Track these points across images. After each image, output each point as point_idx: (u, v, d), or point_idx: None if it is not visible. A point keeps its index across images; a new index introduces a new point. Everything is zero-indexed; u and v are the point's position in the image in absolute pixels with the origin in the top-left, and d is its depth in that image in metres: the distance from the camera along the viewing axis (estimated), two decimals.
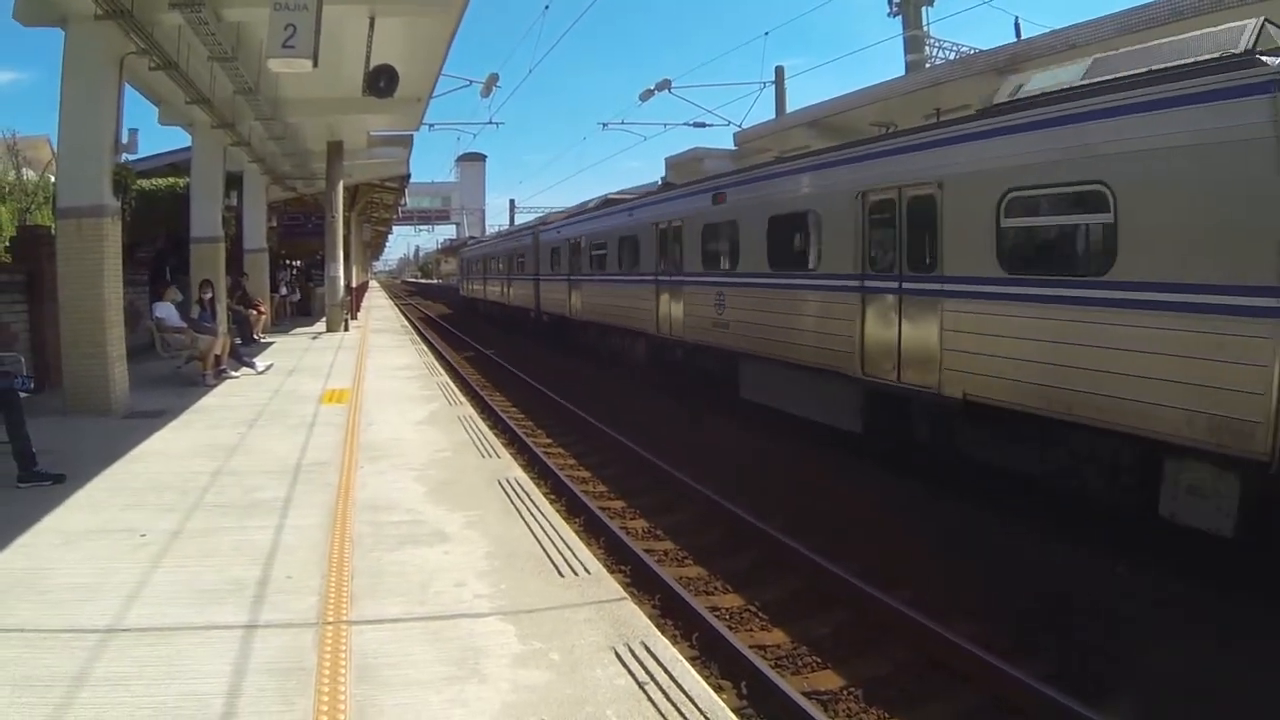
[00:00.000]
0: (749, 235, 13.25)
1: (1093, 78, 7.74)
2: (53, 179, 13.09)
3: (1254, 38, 6.64)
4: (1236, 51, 6.61)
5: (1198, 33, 7.28)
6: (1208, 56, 6.81)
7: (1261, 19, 6.89)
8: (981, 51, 17.36)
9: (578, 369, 20.78)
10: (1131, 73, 7.35)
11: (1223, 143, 6.40)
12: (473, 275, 45.04)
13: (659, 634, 4.34)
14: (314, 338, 20.39)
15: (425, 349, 20.00)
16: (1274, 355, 6.02)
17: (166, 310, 12.72)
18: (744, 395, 13.61)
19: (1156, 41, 7.79)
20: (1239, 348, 6.25)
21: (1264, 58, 6.36)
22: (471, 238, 61.26)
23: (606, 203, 21.89)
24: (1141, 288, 6.98)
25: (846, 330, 10.63)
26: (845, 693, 5.41)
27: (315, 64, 8.53)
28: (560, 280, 24.23)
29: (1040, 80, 8.51)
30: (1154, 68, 7.17)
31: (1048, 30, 15.48)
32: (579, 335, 22.93)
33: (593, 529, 8.46)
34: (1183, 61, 6.98)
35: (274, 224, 25.95)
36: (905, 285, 9.71)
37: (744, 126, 26.00)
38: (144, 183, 19.34)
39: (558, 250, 24.68)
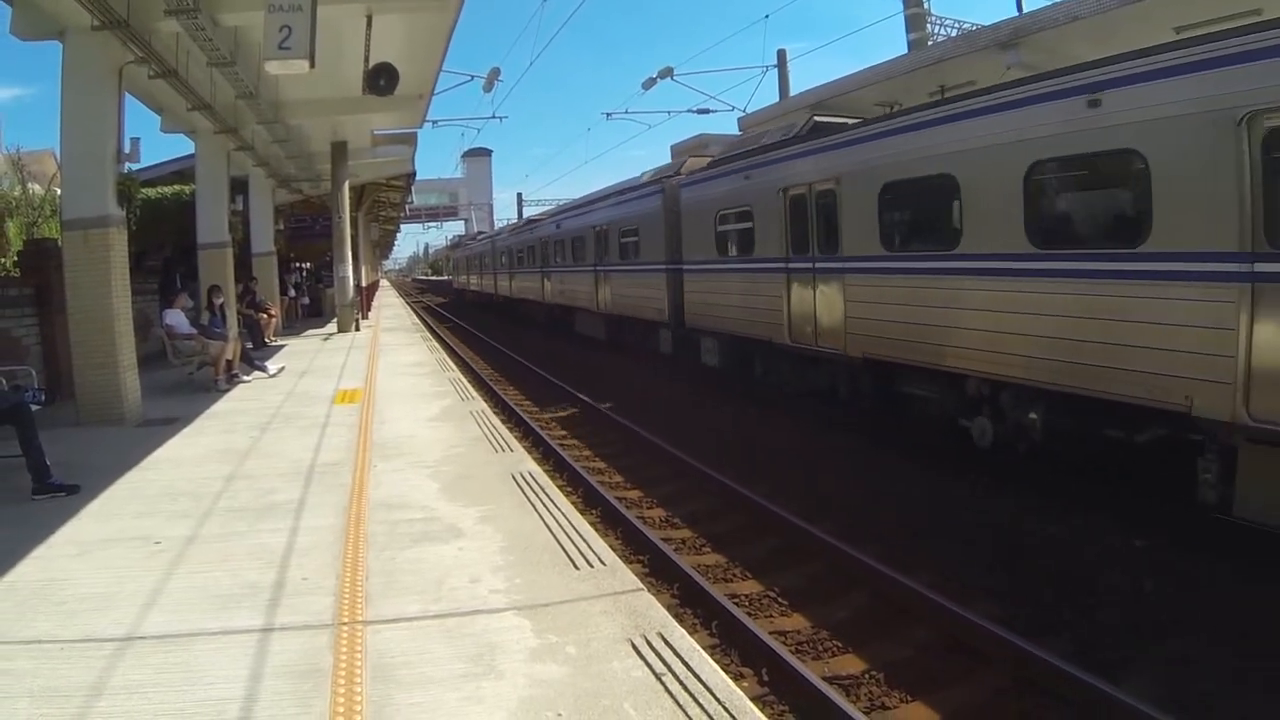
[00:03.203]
0: (564, 246, 25.50)
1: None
2: (58, 191, 13.09)
3: (675, 169, 17.57)
4: (660, 176, 18.10)
5: (665, 164, 19.69)
6: (656, 179, 18.32)
7: (686, 158, 18.32)
8: (984, 27, 17.18)
9: (583, 356, 21.74)
10: (635, 183, 19.80)
11: (652, 209, 18.01)
12: (459, 271, 60.52)
13: (676, 624, 4.31)
14: (325, 339, 20.44)
15: (436, 345, 20.10)
16: (665, 288, 17.43)
17: (176, 317, 12.75)
18: (576, 330, 25.19)
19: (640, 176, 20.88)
20: (659, 285, 17.78)
21: (665, 179, 17.67)
22: (480, 232, 62.24)
23: (528, 222, 34.68)
24: (643, 261, 18.67)
25: (591, 290, 22.56)
26: (867, 676, 5.36)
27: (312, 64, 8.48)
28: (505, 273, 37.07)
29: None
30: (639, 185, 19.30)
31: (1050, 3, 15.30)
32: (518, 308, 34.98)
33: (609, 520, 8.44)
34: (648, 181, 18.85)
35: (281, 227, 25.93)
36: (599, 268, 21.77)
37: (748, 111, 25.87)
38: (149, 191, 19.29)
39: (503, 254, 37.65)
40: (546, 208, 44.03)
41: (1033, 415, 8.57)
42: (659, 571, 7.06)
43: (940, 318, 9.44)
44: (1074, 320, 7.85)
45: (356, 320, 22.63)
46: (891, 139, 10.23)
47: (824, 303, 11.74)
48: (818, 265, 11.88)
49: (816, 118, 12.88)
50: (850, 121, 11.95)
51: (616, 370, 18.74)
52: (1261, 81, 6.27)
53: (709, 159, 16.49)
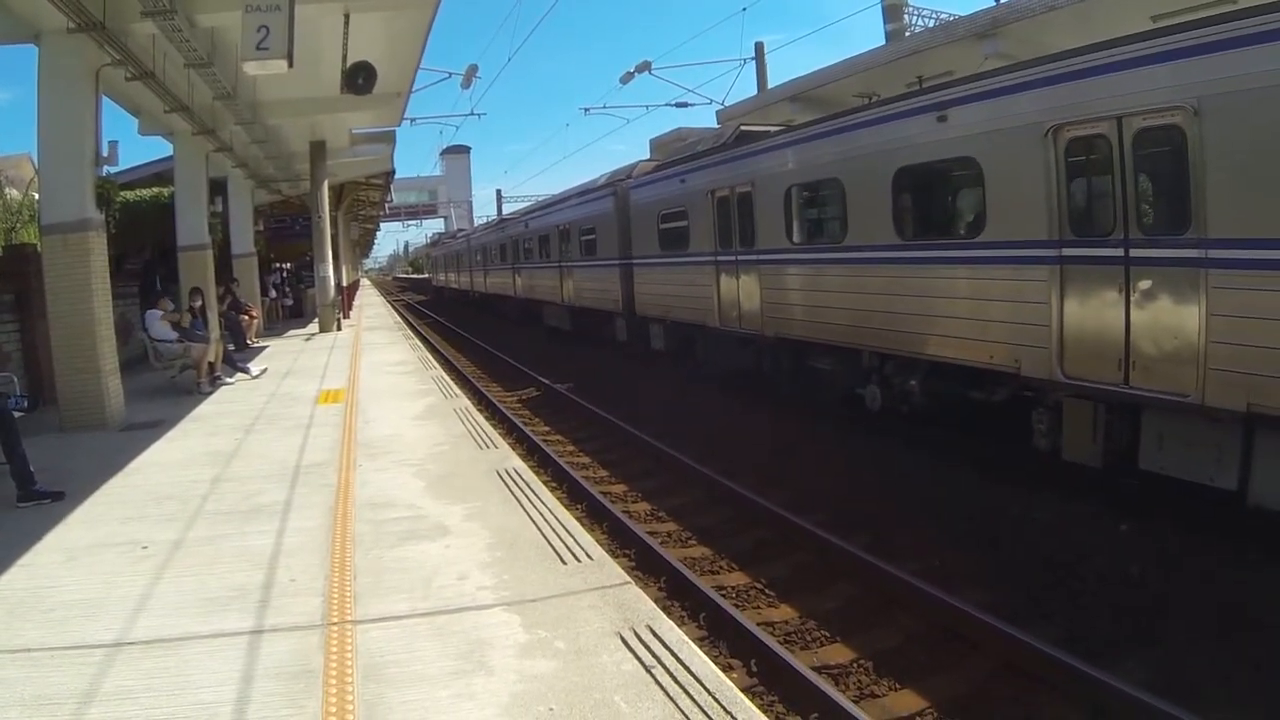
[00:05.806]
0: (532, 244, 27.12)
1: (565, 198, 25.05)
2: (36, 196, 12.99)
3: (627, 174, 19.05)
4: (614, 180, 19.64)
5: (618, 168, 21.05)
6: (609, 182, 20.03)
7: (644, 159, 20.21)
8: (961, 17, 17.26)
9: (555, 348, 22.45)
10: (593, 185, 21.79)
11: (606, 210, 19.57)
12: (438, 269, 62.52)
13: (664, 617, 4.34)
14: (307, 339, 20.33)
15: (418, 343, 20.09)
16: (619, 281, 18.87)
17: (158, 319, 12.65)
18: (545, 322, 26.25)
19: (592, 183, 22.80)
20: (613, 278, 19.08)
21: (617, 183, 19.23)
22: (460, 229, 62.32)
23: (501, 221, 37.18)
24: (600, 257, 20.24)
25: (556, 284, 23.98)
26: (856, 665, 5.42)
27: (290, 64, 8.44)
28: (480, 270, 39.00)
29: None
30: (596, 188, 21.06)
31: None
32: (493, 303, 36.23)
33: (595, 515, 8.48)
34: (602, 184, 20.55)
35: (261, 228, 25.81)
36: (563, 264, 23.37)
37: (726, 104, 25.89)
38: (128, 194, 19.18)
39: (478, 252, 39.60)
40: (526, 204, 44.18)
41: (913, 382, 9.95)
42: (646, 565, 7.11)
43: (834, 300, 11.04)
44: (933, 300, 9.31)
45: (338, 320, 22.54)
46: (795, 147, 11.97)
47: (745, 290, 13.36)
48: (739, 258, 13.47)
49: (743, 127, 14.54)
50: (772, 130, 13.52)
51: (586, 360, 19.77)
52: (1063, 100, 7.59)
53: (656, 163, 18.34)
